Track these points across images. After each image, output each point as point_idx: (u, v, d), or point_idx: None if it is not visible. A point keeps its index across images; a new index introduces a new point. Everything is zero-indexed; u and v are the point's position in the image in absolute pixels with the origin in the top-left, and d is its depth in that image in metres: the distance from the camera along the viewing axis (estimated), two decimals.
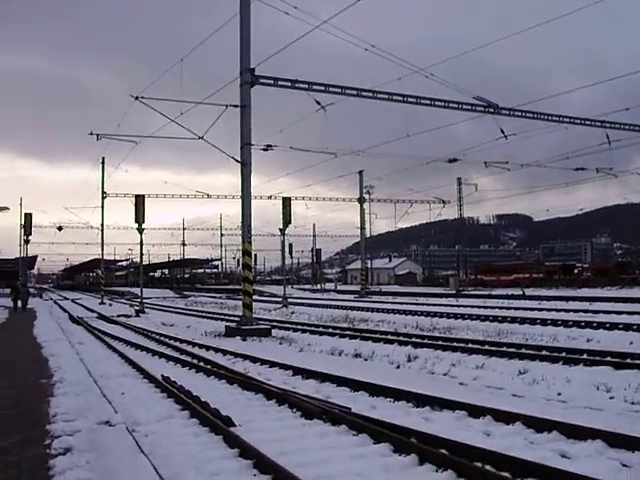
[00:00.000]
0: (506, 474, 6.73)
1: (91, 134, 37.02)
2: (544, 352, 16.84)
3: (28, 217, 60.09)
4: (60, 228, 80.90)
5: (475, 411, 9.86)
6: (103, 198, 60.50)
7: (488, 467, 7.00)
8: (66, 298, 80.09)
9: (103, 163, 59.54)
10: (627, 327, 22.62)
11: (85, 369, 15.76)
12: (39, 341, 23.08)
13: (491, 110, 31.53)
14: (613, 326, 23.14)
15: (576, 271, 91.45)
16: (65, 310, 48.22)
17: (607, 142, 36.29)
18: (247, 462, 7.50)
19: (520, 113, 32.74)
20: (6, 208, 43.73)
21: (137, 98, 28.35)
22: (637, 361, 14.79)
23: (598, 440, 7.98)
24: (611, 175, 47.94)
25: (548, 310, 33.51)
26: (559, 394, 11.53)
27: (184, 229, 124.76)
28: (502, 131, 33.34)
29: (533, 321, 26.66)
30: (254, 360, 17.14)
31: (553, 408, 10.36)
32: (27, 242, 60.95)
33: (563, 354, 16.25)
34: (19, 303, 49.11)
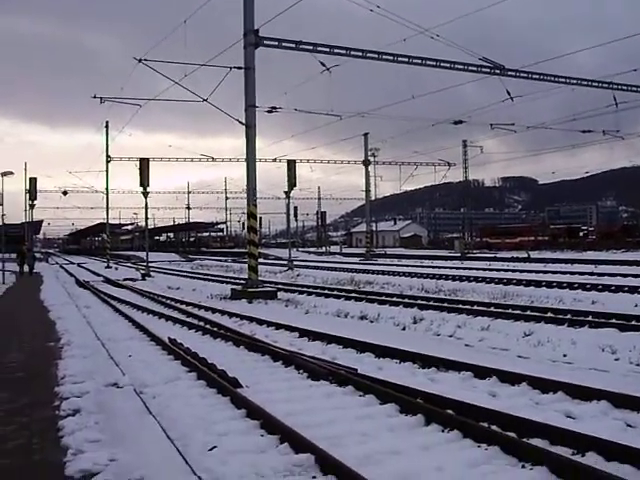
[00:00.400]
0: (512, 434, 6.77)
1: (94, 97, 36.88)
2: (549, 314, 16.84)
3: (33, 182, 59.95)
4: (65, 192, 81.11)
5: (481, 372, 9.90)
6: (107, 162, 60.49)
7: (494, 427, 7.05)
8: (72, 262, 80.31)
9: (107, 127, 59.36)
10: (632, 290, 22.62)
11: (92, 332, 15.84)
12: (46, 305, 23.18)
13: (497, 71, 31.32)
14: (618, 288, 23.14)
15: (581, 234, 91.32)
16: (71, 274, 48.37)
17: (614, 104, 36.05)
18: (254, 423, 7.56)
19: (526, 74, 32.47)
20: (10, 172, 43.57)
21: (140, 61, 28.20)
22: None
23: (603, 401, 8.00)
24: (618, 137, 47.64)
25: (553, 273, 33.49)
26: (564, 355, 11.57)
27: (189, 193, 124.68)
28: (508, 92, 33.13)
29: (538, 283, 26.69)
30: (260, 322, 17.21)
31: (558, 369, 10.39)
32: (32, 207, 60.86)
33: (568, 316, 16.25)
34: (25, 267, 49.20)
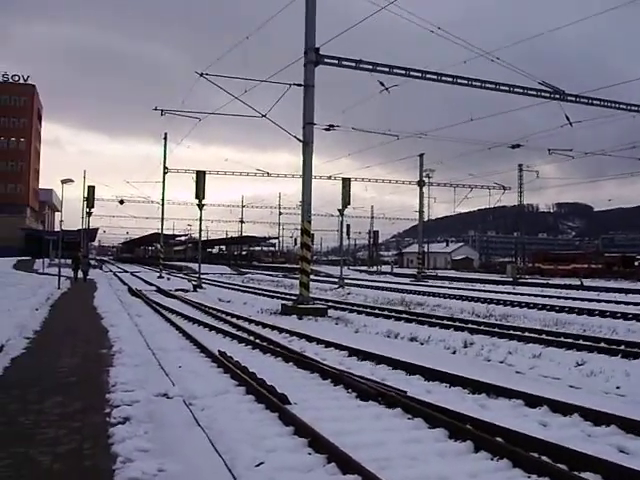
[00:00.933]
0: (562, 466, 6.67)
1: (155, 109, 37.48)
2: (602, 344, 16.58)
3: (91, 190, 61.02)
4: (122, 202, 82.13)
5: (532, 400, 9.77)
6: (165, 173, 61.30)
7: (544, 458, 6.95)
8: (125, 271, 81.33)
9: (165, 139, 60.23)
10: None
11: (144, 341, 16.00)
12: (99, 312, 23.45)
13: (557, 96, 31.02)
14: None
15: (637, 263, 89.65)
16: (124, 282, 48.98)
17: None
18: (302, 440, 7.56)
19: (586, 100, 32.11)
20: (70, 180, 44.42)
21: (202, 75, 28.57)
22: None
23: None
24: None
25: (607, 302, 32.95)
26: (617, 387, 11.37)
27: (243, 206, 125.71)
28: (567, 118, 32.75)
29: (591, 312, 26.26)
30: (310, 339, 17.21)
31: (611, 401, 10.22)
32: (89, 214, 61.95)
33: (622, 347, 15.99)
34: (80, 274, 49.93)
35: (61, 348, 14.54)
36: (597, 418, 8.69)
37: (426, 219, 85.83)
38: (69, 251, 53.49)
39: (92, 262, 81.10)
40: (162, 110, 37.76)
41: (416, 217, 76.42)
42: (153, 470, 6.22)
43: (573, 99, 31.66)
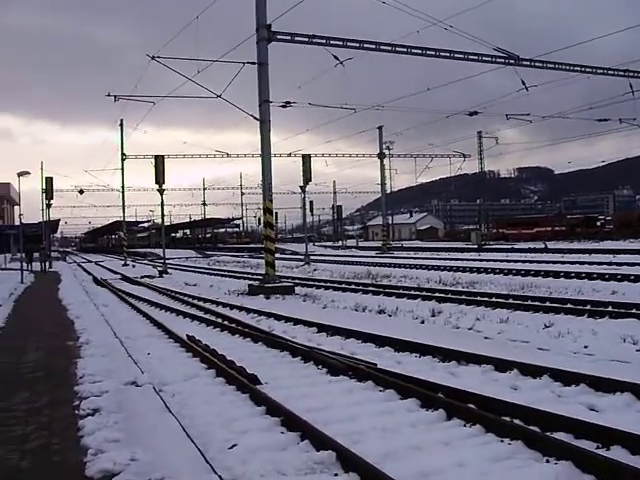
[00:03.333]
0: (535, 428, 6.70)
1: (108, 95, 36.95)
2: (569, 305, 16.73)
3: (49, 181, 60.25)
4: (81, 191, 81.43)
5: (501, 365, 9.82)
6: (123, 160, 60.58)
7: (516, 421, 6.98)
8: (89, 261, 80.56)
9: (122, 125, 59.41)
10: None
11: (111, 330, 15.85)
12: (64, 304, 23.23)
13: (511, 61, 31.09)
14: (638, 278, 22.91)
15: (599, 223, 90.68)
16: (89, 272, 48.49)
17: (631, 92, 35.79)
18: (274, 420, 7.52)
19: (541, 63, 32.23)
20: (27, 173, 43.78)
21: (153, 58, 28.21)
22: None
23: (626, 393, 7.92)
24: (635, 126, 47.26)
25: (571, 263, 33.31)
26: (585, 347, 11.45)
27: (204, 189, 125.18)
28: (523, 82, 32.92)
29: (557, 274, 26.52)
30: (278, 318, 17.18)
31: (580, 361, 10.30)
32: (49, 206, 61.22)
33: (588, 307, 16.14)
34: (40, 266, 49.37)
35: (26, 343, 14.34)
36: (566, 378, 8.76)
37: (389, 191, 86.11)
38: (31, 244, 52.86)
39: (53, 254, 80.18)
40: (115, 96, 37.21)
41: (379, 190, 76.44)
42: (125, 460, 6.14)
43: (527, 63, 31.74)
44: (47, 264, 51.20)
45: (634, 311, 15.06)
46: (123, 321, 18.06)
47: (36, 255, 53.04)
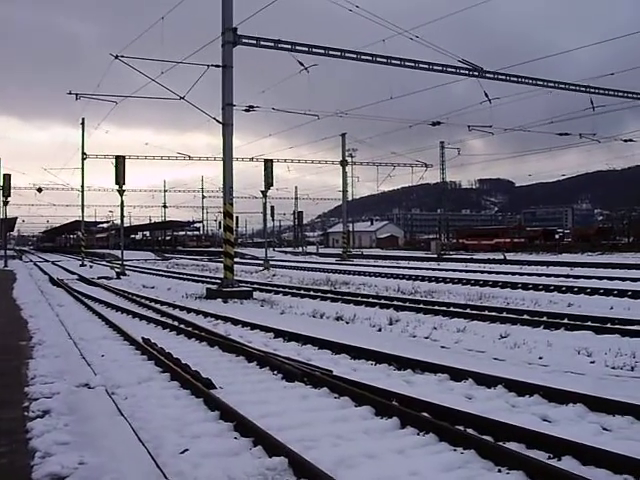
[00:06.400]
0: (488, 438, 6.71)
1: (70, 93, 36.56)
2: (525, 316, 16.85)
3: (6, 178, 59.33)
4: (40, 189, 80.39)
5: (457, 374, 9.84)
6: (83, 159, 59.94)
7: (470, 431, 6.99)
8: (46, 260, 79.69)
9: (83, 124, 58.76)
10: (607, 292, 22.70)
11: (65, 331, 15.64)
12: (18, 303, 22.91)
13: (475, 74, 31.35)
14: (594, 291, 23.20)
15: (557, 236, 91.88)
16: (45, 272, 47.93)
17: (591, 107, 36.28)
18: (228, 425, 7.45)
19: (504, 77, 32.54)
20: None
21: (117, 57, 27.98)
22: (617, 326, 14.80)
23: (579, 404, 7.98)
24: (594, 141, 47.93)
25: (529, 275, 33.60)
26: (540, 358, 11.55)
27: (165, 191, 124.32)
28: (486, 94, 33.24)
29: (514, 285, 26.73)
30: (235, 322, 17.09)
31: (534, 372, 10.36)
32: (6, 204, 60.29)
33: (544, 318, 16.26)
34: None
35: None
36: (521, 389, 8.81)
37: (350, 198, 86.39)
38: None
39: (9, 253, 79.11)
40: (77, 94, 36.78)
41: (340, 197, 76.46)
42: (73, 464, 6.04)
43: (491, 76, 32.03)
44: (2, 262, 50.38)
45: (589, 323, 15.23)
46: (78, 322, 17.82)
47: None
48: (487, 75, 31.78)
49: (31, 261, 78.78)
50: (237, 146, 28.16)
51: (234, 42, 25.86)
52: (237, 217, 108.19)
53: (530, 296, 22.60)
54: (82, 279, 38.48)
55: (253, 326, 16.15)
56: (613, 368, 10.63)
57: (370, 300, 22.05)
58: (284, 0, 26.18)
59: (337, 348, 12.61)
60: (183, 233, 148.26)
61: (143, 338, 13.69)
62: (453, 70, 31.00)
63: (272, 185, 47.79)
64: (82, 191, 64.23)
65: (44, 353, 12.19)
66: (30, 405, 8.14)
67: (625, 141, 53.75)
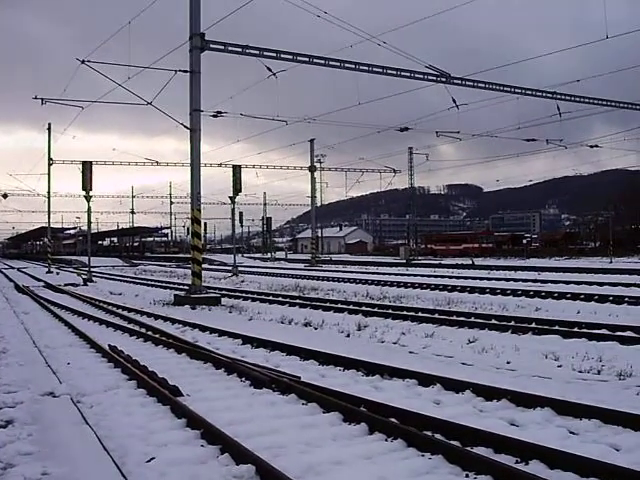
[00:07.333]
0: (456, 443, 6.71)
1: (35, 98, 36.24)
2: (493, 321, 16.93)
3: None
4: (5, 195, 79.48)
5: (425, 379, 9.84)
6: (50, 165, 59.35)
7: (438, 436, 6.98)
8: (12, 267, 78.78)
9: (49, 129, 58.19)
10: (575, 297, 22.83)
11: (30, 339, 15.48)
12: None
13: (443, 79, 31.51)
14: (561, 295, 23.34)
15: (525, 241, 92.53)
16: (10, 279, 47.43)
17: (558, 114, 36.63)
18: (194, 433, 7.38)
19: (472, 83, 32.73)
20: None
21: (83, 62, 27.78)
22: (584, 330, 14.90)
23: (546, 408, 8.01)
24: (561, 146, 48.40)
25: (497, 279, 33.83)
26: (508, 362, 11.59)
27: (133, 197, 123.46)
28: (454, 100, 33.42)
29: (482, 290, 26.87)
30: (203, 329, 16.99)
31: (502, 376, 10.39)
32: None
33: (512, 323, 16.35)
34: None
35: None
36: (489, 393, 8.82)
37: (319, 204, 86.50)
38: None
39: None
40: (42, 99, 36.46)
41: (309, 202, 76.44)
42: (36, 474, 5.98)
43: (459, 82, 32.22)
44: None
45: (557, 328, 15.32)
46: (44, 329, 17.63)
47: None
48: (454, 81, 31.96)
49: None
50: (205, 152, 28.14)
51: (202, 47, 25.77)
52: (205, 223, 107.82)
53: (498, 301, 22.73)
54: (48, 286, 38.09)
55: (221, 333, 16.06)
56: (580, 372, 10.69)
57: (339, 306, 22.05)
58: (252, 6, 26.14)
59: (305, 354, 12.57)
60: (151, 239, 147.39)
61: (110, 345, 13.55)
62: (421, 76, 31.16)
63: (240, 191, 47.70)
64: (49, 197, 63.58)
65: (8, 362, 12.04)
66: None
67: (591, 147, 54.19)
